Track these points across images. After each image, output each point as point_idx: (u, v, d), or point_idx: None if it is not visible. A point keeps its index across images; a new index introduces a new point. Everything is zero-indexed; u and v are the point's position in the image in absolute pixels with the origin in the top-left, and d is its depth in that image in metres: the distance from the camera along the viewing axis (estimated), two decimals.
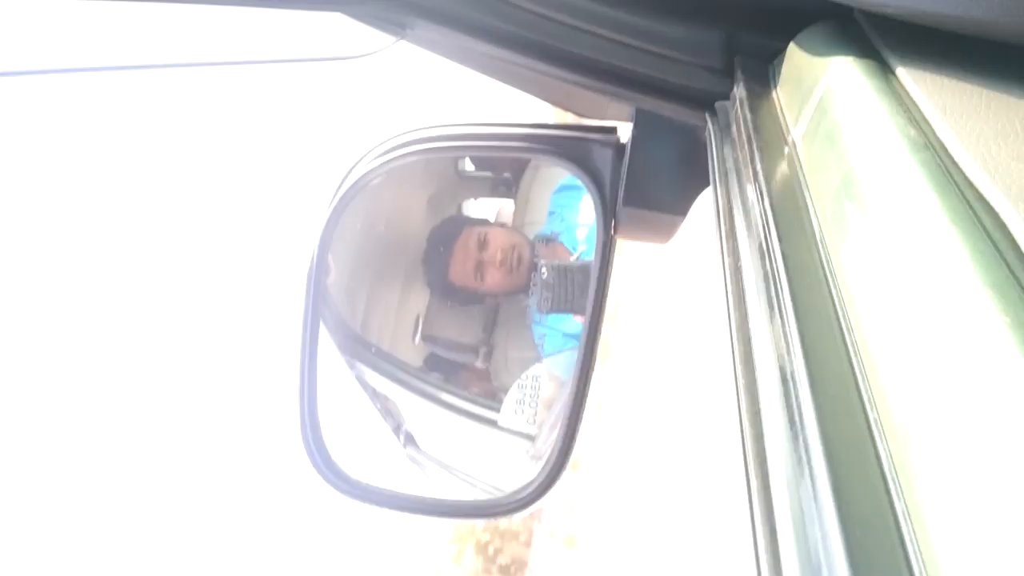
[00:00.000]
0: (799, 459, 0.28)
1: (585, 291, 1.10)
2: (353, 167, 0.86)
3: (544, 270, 1.10)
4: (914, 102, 0.42)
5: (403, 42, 0.68)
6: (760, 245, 0.43)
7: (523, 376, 1.21)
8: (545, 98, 0.78)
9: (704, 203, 0.76)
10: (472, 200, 1.18)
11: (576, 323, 1.20)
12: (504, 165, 1.18)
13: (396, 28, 0.67)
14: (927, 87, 0.42)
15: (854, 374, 0.31)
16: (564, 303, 1.12)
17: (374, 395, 1.27)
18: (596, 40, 0.64)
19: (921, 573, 0.23)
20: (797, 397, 0.31)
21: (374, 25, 0.67)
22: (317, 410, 1.04)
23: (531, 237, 1.18)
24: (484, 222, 1.18)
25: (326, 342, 1.11)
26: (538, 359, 1.21)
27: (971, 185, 0.33)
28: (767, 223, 0.44)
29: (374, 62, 0.67)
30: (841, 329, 0.34)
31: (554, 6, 0.62)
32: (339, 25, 0.65)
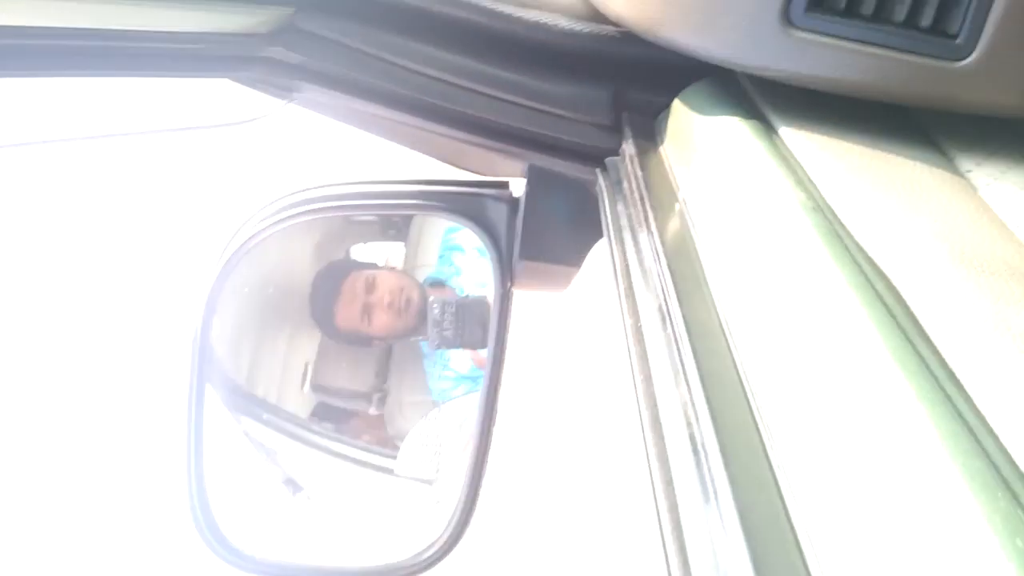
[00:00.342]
0: (716, 531, 0.29)
1: (476, 326, 1.10)
2: (239, 229, 0.83)
3: (436, 306, 1.10)
4: (799, 163, 0.43)
5: (292, 105, 0.67)
6: (660, 307, 0.43)
7: (420, 421, 1.20)
8: (437, 156, 0.77)
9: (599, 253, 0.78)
10: (361, 244, 1.16)
11: (469, 364, 1.19)
12: None
13: (283, 92, 0.65)
14: (810, 146, 0.44)
15: (762, 441, 0.31)
16: (457, 338, 1.12)
17: (263, 451, 1.22)
18: (486, 100, 0.64)
19: None
20: (710, 468, 0.31)
21: (261, 90, 0.65)
22: (204, 479, 0.98)
23: (422, 280, 1.17)
24: (372, 265, 1.16)
25: (215, 403, 1.06)
26: (434, 403, 1.19)
27: (860, 248, 0.34)
28: (665, 285, 0.44)
29: (264, 126, 0.66)
30: (745, 395, 0.34)
31: (442, 67, 0.62)
32: (226, 91, 0.63)
